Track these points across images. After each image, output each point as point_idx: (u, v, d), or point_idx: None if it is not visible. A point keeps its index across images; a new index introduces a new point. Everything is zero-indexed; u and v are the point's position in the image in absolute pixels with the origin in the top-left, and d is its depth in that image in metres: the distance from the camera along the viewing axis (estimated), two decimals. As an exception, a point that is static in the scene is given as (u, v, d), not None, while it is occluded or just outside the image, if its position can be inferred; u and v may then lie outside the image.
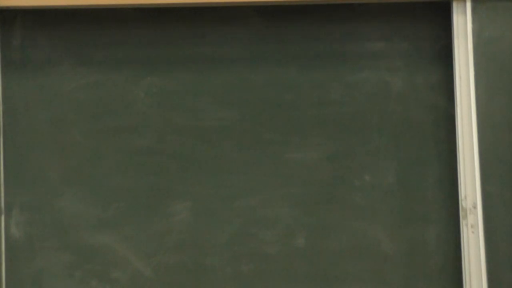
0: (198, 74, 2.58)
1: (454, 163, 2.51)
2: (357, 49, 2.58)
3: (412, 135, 2.57)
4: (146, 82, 2.58)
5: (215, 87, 2.58)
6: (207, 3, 2.50)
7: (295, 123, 2.57)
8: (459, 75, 2.50)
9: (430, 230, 2.55)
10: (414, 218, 2.55)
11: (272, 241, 2.55)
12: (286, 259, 2.54)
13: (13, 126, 2.56)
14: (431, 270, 2.54)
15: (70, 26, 2.58)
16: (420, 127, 2.57)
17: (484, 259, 2.43)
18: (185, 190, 2.56)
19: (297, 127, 2.57)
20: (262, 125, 2.57)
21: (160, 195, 2.56)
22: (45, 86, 2.57)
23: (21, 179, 2.55)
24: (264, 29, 2.58)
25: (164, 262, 2.55)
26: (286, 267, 2.54)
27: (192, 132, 2.57)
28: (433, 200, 2.55)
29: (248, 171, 2.56)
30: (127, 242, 2.55)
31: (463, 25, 2.50)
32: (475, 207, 2.45)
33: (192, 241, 2.55)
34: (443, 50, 2.57)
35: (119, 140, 2.57)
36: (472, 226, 2.46)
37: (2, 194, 2.54)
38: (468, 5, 2.48)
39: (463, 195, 2.48)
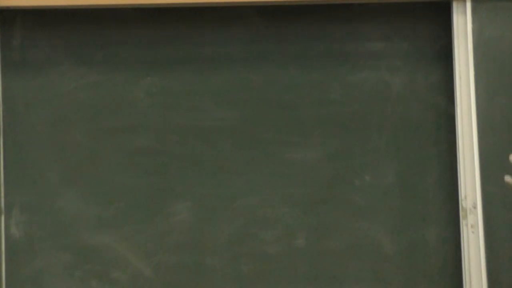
0: (198, 74, 2.58)
1: (454, 163, 2.51)
2: (357, 49, 2.59)
3: (412, 135, 2.57)
4: (146, 82, 2.58)
5: (215, 87, 2.58)
6: (207, 3, 2.50)
7: (295, 123, 2.57)
8: (459, 75, 2.50)
9: (430, 230, 2.55)
10: (414, 218, 2.55)
11: (272, 241, 2.55)
12: (286, 259, 2.54)
13: (13, 126, 2.56)
14: (431, 270, 2.54)
15: (70, 26, 2.58)
16: (420, 127, 2.57)
17: (484, 259, 2.43)
18: (185, 190, 2.56)
19: (297, 127, 2.57)
20: (262, 125, 2.57)
21: (160, 195, 2.56)
22: (45, 86, 2.58)
23: (21, 179, 2.55)
24: (264, 29, 2.58)
25: (164, 262, 2.55)
26: (286, 267, 2.54)
27: (192, 132, 2.57)
28: (433, 200, 2.55)
29: (248, 171, 2.56)
30: (127, 242, 2.55)
31: (463, 25, 2.50)
32: (475, 207, 2.46)
33: (192, 241, 2.55)
34: (443, 50, 2.57)
35: (119, 140, 2.57)
36: (472, 226, 2.46)
37: (2, 194, 2.54)
38: (468, 5, 2.49)
39: (463, 195, 2.48)
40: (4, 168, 2.55)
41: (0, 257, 2.52)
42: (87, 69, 2.58)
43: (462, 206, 2.48)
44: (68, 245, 2.54)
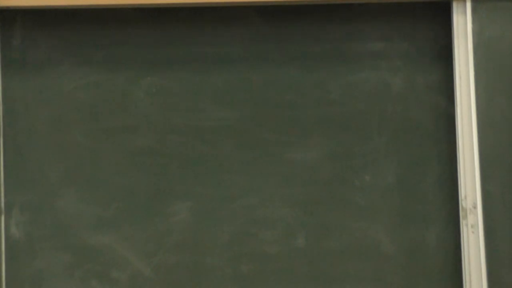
0: (198, 74, 2.58)
1: (454, 163, 2.51)
2: (357, 49, 2.59)
3: (412, 135, 2.57)
4: (146, 82, 2.58)
5: (215, 87, 2.58)
6: (207, 3, 2.50)
7: (295, 123, 2.57)
8: (459, 75, 2.50)
9: (430, 230, 2.55)
10: (414, 218, 2.55)
11: (272, 241, 2.55)
12: (286, 259, 2.54)
13: (13, 126, 2.56)
14: (431, 270, 2.54)
15: (70, 26, 2.58)
16: (420, 127, 2.57)
17: (484, 259, 2.43)
18: (185, 190, 2.56)
19: (297, 127, 2.57)
20: (262, 125, 2.57)
21: (160, 195, 2.56)
22: (45, 86, 2.57)
23: (21, 179, 2.55)
24: (264, 29, 2.58)
25: (164, 262, 2.55)
26: (286, 267, 2.54)
27: (192, 132, 2.57)
28: (433, 200, 2.55)
29: (248, 171, 2.56)
30: (127, 242, 2.55)
31: (463, 25, 2.50)
32: (475, 207, 2.45)
33: (192, 241, 2.55)
34: (443, 50, 2.57)
35: (119, 140, 2.57)
36: (472, 226, 2.46)
37: (2, 194, 2.54)
38: (468, 5, 2.48)
39: (463, 195, 2.48)
40: (4, 168, 2.55)
41: (0, 257, 2.52)
42: (87, 69, 2.58)
43: (462, 206, 2.48)
44: (68, 245, 2.54)
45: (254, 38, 2.59)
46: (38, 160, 2.55)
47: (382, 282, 2.54)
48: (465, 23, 2.49)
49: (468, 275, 2.45)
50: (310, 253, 2.54)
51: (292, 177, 2.56)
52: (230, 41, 2.58)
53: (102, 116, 2.57)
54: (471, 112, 2.47)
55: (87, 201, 2.55)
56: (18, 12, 2.56)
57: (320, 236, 2.55)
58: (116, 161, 2.56)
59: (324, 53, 2.58)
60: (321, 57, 2.58)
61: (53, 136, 2.56)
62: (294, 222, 2.55)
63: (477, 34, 2.48)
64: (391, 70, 2.58)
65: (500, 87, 2.47)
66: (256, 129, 2.57)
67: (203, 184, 2.56)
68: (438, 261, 2.54)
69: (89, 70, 2.58)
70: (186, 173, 2.56)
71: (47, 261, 2.54)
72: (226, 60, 2.58)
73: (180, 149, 2.57)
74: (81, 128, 2.57)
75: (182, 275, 2.54)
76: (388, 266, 2.54)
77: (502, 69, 2.47)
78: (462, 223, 2.48)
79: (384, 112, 2.57)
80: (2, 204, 2.54)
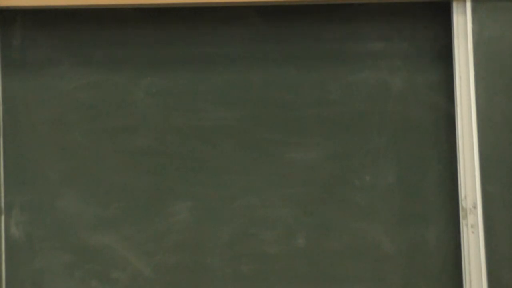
0: (198, 74, 2.58)
1: (454, 163, 2.51)
2: (357, 49, 2.58)
3: (412, 135, 2.57)
4: (146, 82, 2.58)
5: (215, 87, 2.58)
6: (207, 3, 2.50)
7: (295, 123, 2.57)
8: (459, 75, 2.50)
9: (430, 230, 2.55)
10: (414, 218, 2.55)
11: (272, 241, 2.55)
12: (286, 259, 2.54)
13: (13, 126, 2.56)
14: (431, 270, 2.54)
15: (70, 26, 2.58)
16: (420, 127, 2.57)
17: (484, 259, 2.43)
18: (185, 190, 2.56)
19: (297, 127, 2.57)
20: (262, 125, 2.57)
21: (160, 195, 2.56)
22: (45, 86, 2.58)
23: (21, 179, 2.55)
24: (264, 29, 2.58)
25: (164, 262, 2.55)
26: (286, 267, 2.54)
27: (192, 132, 2.57)
28: (433, 200, 2.55)
29: (248, 171, 2.56)
30: (127, 242, 2.55)
31: (463, 25, 2.50)
32: (475, 207, 2.45)
33: (192, 241, 2.55)
34: (443, 50, 2.57)
35: (119, 140, 2.57)
36: (472, 226, 2.46)
37: (2, 194, 2.54)
38: (468, 5, 2.48)
39: (463, 195, 2.48)
40: (4, 168, 2.55)
41: (0, 257, 2.52)
42: (87, 69, 2.58)
43: (462, 206, 2.48)
44: (68, 245, 2.54)
45: (254, 38, 2.59)
46: (38, 160, 2.55)
47: (382, 282, 2.54)
48: (465, 23, 2.49)
49: (468, 275, 2.45)
50: (310, 253, 2.54)
51: (292, 177, 2.56)
52: (230, 41, 2.58)
53: (102, 116, 2.57)
54: (471, 112, 2.47)
55: (87, 201, 2.55)
56: (18, 12, 2.56)
57: (320, 236, 2.55)
58: (116, 161, 2.56)
59: (324, 53, 2.58)
60: (321, 57, 2.58)
61: (53, 136, 2.56)
62: (294, 222, 2.55)
63: (477, 34, 2.48)
64: (391, 70, 2.58)
65: (500, 87, 2.47)
66: (256, 129, 2.57)
67: (203, 184, 2.56)
68: (438, 261, 2.54)
69: (89, 70, 2.58)
70: (186, 173, 2.56)
71: (47, 261, 2.54)
72: (226, 60, 2.58)
73: (180, 149, 2.57)
74: (81, 128, 2.57)
75: (182, 275, 2.54)
76: (388, 266, 2.54)
77: (502, 69, 2.47)
78: (462, 223, 2.48)
79: (384, 112, 2.57)
80: (2, 204, 2.54)
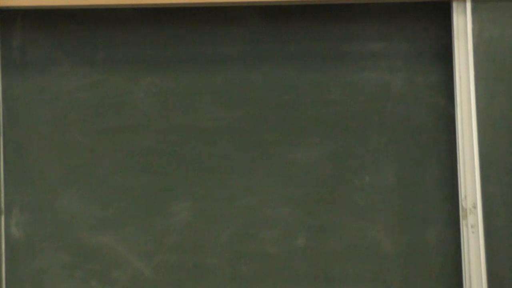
0: (198, 74, 2.58)
1: (454, 163, 2.51)
2: (357, 49, 2.59)
3: (412, 135, 2.57)
4: (146, 82, 2.58)
5: (215, 87, 2.58)
6: (207, 3, 2.50)
7: (295, 123, 2.57)
8: (459, 75, 2.50)
9: (430, 230, 2.55)
10: (414, 218, 2.55)
11: (272, 241, 2.55)
12: (286, 259, 2.54)
13: (13, 126, 2.56)
14: (431, 270, 2.54)
15: (70, 26, 2.58)
16: (420, 127, 2.57)
17: (484, 259, 2.43)
18: (185, 190, 2.56)
19: (297, 127, 2.57)
20: (262, 125, 2.57)
21: (160, 195, 2.56)
22: (45, 86, 2.58)
23: (21, 179, 2.55)
24: (264, 29, 2.58)
25: (164, 262, 2.55)
26: (286, 267, 2.54)
27: (192, 132, 2.57)
28: (433, 200, 2.55)
29: (248, 171, 2.56)
30: (127, 242, 2.55)
31: (463, 25, 2.50)
32: (475, 207, 2.45)
33: (192, 241, 2.55)
34: (443, 50, 2.57)
35: (119, 140, 2.57)
36: (472, 226, 2.46)
37: (2, 194, 2.54)
38: (468, 5, 2.49)
39: (463, 195, 2.48)
40: (4, 168, 2.55)
41: (0, 257, 2.52)
42: (87, 69, 2.58)
43: (462, 206, 2.48)
44: (68, 245, 2.54)
45: (254, 38, 2.59)
46: (38, 160, 2.55)
47: (382, 282, 2.54)
48: (465, 23, 2.49)
49: (468, 275, 2.45)
50: (310, 253, 2.54)
51: (292, 177, 2.56)
52: (230, 41, 2.58)
53: (102, 116, 2.57)
54: (471, 112, 2.47)
55: (87, 201, 2.55)
56: (18, 12, 2.57)
57: (320, 236, 2.55)
58: (116, 161, 2.56)
59: (324, 53, 2.58)
60: (321, 57, 2.58)
61: (53, 136, 2.56)
62: (294, 222, 2.55)
63: (477, 34, 2.48)
64: (391, 70, 2.58)
65: (500, 87, 2.47)
66: (256, 129, 2.57)
67: (203, 184, 2.56)
68: (438, 261, 2.54)
69: (89, 70, 2.58)
70: (186, 173, 2.56)
71: (47, 261, 2.54)
72: (226, 60, 2.58)
73: (180, 149, 2.57)
74: (81, 128, 2.57)
75: (182, 275, 2.54)
76: (388, 266, 2.54)
77: (502, 69, 2.47)
78: (462, 223, 2.48)
79: (384, 112, 2.57)
80: (2, 204, 2.54)
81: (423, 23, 2.58)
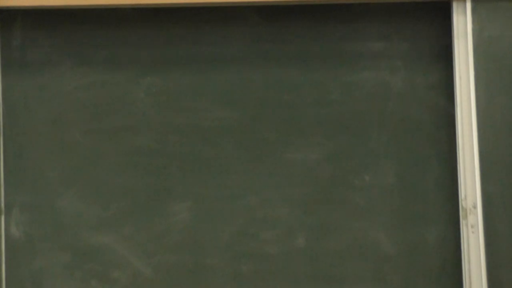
0: (198, 74, 2.58)
1: (454, 163, 2.51)
2: (357, 49, 2.59)
3: (412, 135, 2.57)
4: (146, 82, 2.58)
5: (215, 87, 2.58)
6: (207, 3, 2.50)
7: (295, 123, 2.57)
8: (459, 75, 2.50)
9: (430, 230, 2.55)
10: (414, 218, 2.55)
11: (272, 241, 2.55)
12: (286, 259, 2.54)
13: (13, 126, 2.56)
14: (431, 270, 2.54)
15: (70, 26, 2.58)
16: (420, 127, 2.57)
17: (484, 259, 2.43)
18: (185, 190, 2.56)
19: (297, 127, 2.57)
20: (262, 125, 2.57)
21: (160, 195, 2.56)
22: (45, 86, 2.58)
23: (21, 179, 2.55)
24: (264, 29, 2.58)
25: (164, 262, 2.55)
26: (286, 267, 2.54)
27: (192, 132, 2.57)
28: (433, 200, 2.55)
29: (248, 171, 2.56)
30: (127, 242, 2.55)
31: (463, 25, 2.50)
32: (475, 207, 2.46)
33: (192, 241, 2.55)
34: (443, 50, 2.57)
35: (119, 140, 2.57)
36: (472, 226, 2.46)
37: (2, 194, 2.54)
38: (468, 5, 2.49)
39: (463, 195, 2.48)
40: (4, 168, 2.55)
41: (0, 257, 2.52)
42: (87, 69, 2.58)
43: (462, 206, 2.48)
44: (68, 245, 2.54)
45: (254, 38, 2.59)
46: (38, 160, 2.55)
47: (382, 282, 2.54)
48: (465, 23, 2.49)
49: (468, 275, 2.45)
50: (310, 253, 2.54)
51: (292, 177, 2.56)
52: (230, 41, 2.58)
53: (102, 116, 2.57)
54: (471, 112, 2.47)
55: (87, 201, 2.55)
56: (18, 12, 2.57)
57: (320, 236, 2.55)
58: (116, 161, 2.56)
59: (324, 53, 2.58)
60: (321, 57, 2.58)
61: (53, 136, 2.56)
62: (294, 222, 2.55)
63: (477, 34, 2.48)
64: (391, 70, 2.58)
65: (500, 87, 2.47)
66: (256, 129, 2.57)
67: (203, 184, 2.56)
68: (438, 261, 2.54)
69: (89, 70, 2.58)
70: (186, 173, 2.56)
71: (47, 261, 2.54)
72: (226, 60, 2.58)
73: (180, 149, 2.57)
74: (81, 128, 2.57)
75: (182, 275, 2.54)
76: (388, 266, 2.54)
77: (502, 69, 2.47)
78: (462, 223, 2.48)
79: (384, 112, 2.57)
80: (2, 204, 2.54)
81: (423, 23, 2.58)
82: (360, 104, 2.57)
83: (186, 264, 2.55)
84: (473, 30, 2.48)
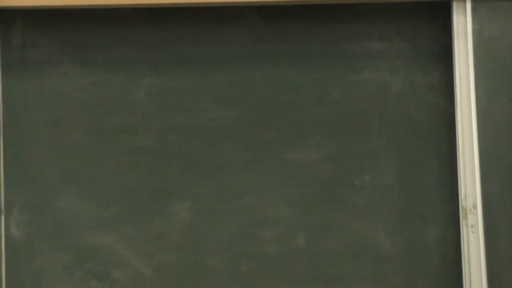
0: (198, 74, 2.58)
1: (454, 163, 2.51)
2: (357, 49, 2.59)
3: (412, 135, 2.57)
4: (146, 82, 2.58)
5: (215, 87, 2.58)
6: (207, 3, 2.50)
7: (295, 123, 2.57)
8: (459, 75, 2.50)
9: (430, 230, 2.55)
10: (414, 218, 2.55)
11: (272, 241, 2.55)
12: (286, 259, 2.54)
13: (13, 126, 2.56)
14: (431, 270, 2.54)
15: (70, 26, 2.58)
16: (420, 127, 2.57)
17: (484, 259, 2.43)
18: (185, 190, 2.56)
19: (297, 127, 2.57)
20: (262, 125, 2.57)
21: (160, 195, 2.56)
22: (45, 86, 2.57)
23: (21, 179, 2.55)
24: (264, 29, 2.58)
25: (164, 262, 2.55)
26: (286, 267, 2.54)
27: (192, 132, 2.57)
28: (433, 200, 2.55)
29: (248, 171, 2.56)
30: (127, 242, 2.55)
31: (463, 25, 2.50)
32: (475, 207, 2.45)
33: (192, 241, 2.55)
34: (443, 50, 2.57)
35: (119, 140, 2.57)
36: (472, 226, 2.46)
37: (2, 194, 2.54)
38: (468, 5, 2.48)
39: (463, 195, 2.48)
40: (4, 168, 2.55)
41: (0, 257, 2.52)
42: (87, 69, 2.58)
43: (462, 206, 2.48)
44: (68, 245, 2.54)
45: (254, 38, 2.59)
46: (38, 160, 2.55)
47: (382, 282, 2.54)
48: (465, 23, 2.49)
49: (468, 275, 2.45)
50: (310, 253, 2.54)
51: (292, 177, 2.56)
52: (230, 41, 2.58)
53: (102, 116, 2.57)
54: (471, 112, 2.47)
55: (87, 201, 2.55)
56: (18, 12, 2.56)
57: (320, 236, 2.55)
58: (116, 161, 2.56)
59: (324, 53, 2.58)
60: (321, 57, 2.58)
61: (53, 136, 2.56)
62: (294, 222, 2.55)
63: (477, 34, 2.48)
64: (391, 70, 2.58)
65: (500, 87, 2.47)
66: (256, 129, 2.57)
67: (203, 184, 2.56)
68: (438, 261, 2.54)
69: (89, 70, 2.58)
70: (186, 173, 2.56)
71: (47, 261, 2.54)
72: (226, 60, 2.58)
73: (180, 149, 2.57)
74: (81, 128, 2.57)
75: (182, 275, 2.54)
76: (388, 266, 2.54)
77: (502, 69, 2.47)
78: (462, 223, 2.48)
79: (384, 112, 2.57)
80: (2, 204, 2.54)
81: (423, 23, 2.58)
82: (360, 104, 2.57)
83: (186, 264, 2.54)
84: (473, 30, 2.48)
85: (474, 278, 2.44)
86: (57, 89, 2.58)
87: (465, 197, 2.47)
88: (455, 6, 2.50)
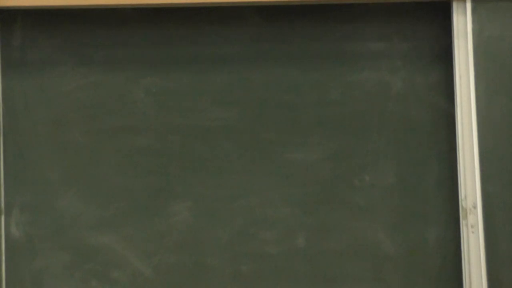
0: (198, 74, 2.58)
1: (454, 163, 2.51)
2: (357, 49, 2.59)
3: (412, 135, 2.57)
4: (146, 82, 2.58)
5: (215, 87, 2.58)
6: (207, 3, 2.50)
7: (295, 123, 2.57)
8: (459, 75, 2.50)
9: (430, 230, 2.55)
10: (414, 218, 2.55)
11: (272, 241, 2.55)
12: (286, 259, 2.54)
13: (13, 126, 2.56)
14: (431, 270, 2.54)
15: (70, 26, 2.58)
16: (420, 127, 2.57)
17: (484, 259, 2.43)
18: (185, 190, 2.56)
19: (297, 127, 2.57)
20: (262, 125, 2.57)
21: (160, 195, 2.56)
22: (45, 86, 2.58)
23: (21, 179, 2.55)
24: (264, 29, 2.59)
25: (164, 262, 2.55)
26: (286, 267, 2.54)
27: (192, 132, 2.57)
28: (433, 200, 2.55)
29: (248, 171, 2.56)
30: (127, 242, 2.55)
31: (463, 25, 2.50)
32: (475, 207, 2.46)
33: (192, 241, 2.55)
34: (443, 50, 2.57)
35: (119, 140, 2.57)
36: (472, 226, 2.46)
37: (2, 194, 2.54)
38: (468, 5, 2.49)
39: (463, 195, 2.48)
40: (4, 168, 2.55)
41: (0, 257, 2.52)
42: (87, 69, 2.58)
43: (462, 206, 2.48)
44: (68, 245, 2.54)
45: (254, 38, 2.59)
46: (38, 160, 2.55)
47: (382, 282, 2.54)
48: (465, 23, 2.49)
49: (468, 275, 2.45)
50: (310, 253, 2.54)
51: (292, 177, 2.56)
52: (230, 41, 2.58)
53: (102, 116, 2.57)
54: (471, 112, 2.47)
55: (87, 201, 2.55)
56: (18, 12, 2.57)
57: (320, 236, 2.55)
58: (116, 161, 2.56)
59: (324, 53, 2.58)
60: (321, 57, 2.58)
61: (53, 136, 2.56)
62: (294, 222, 2.55)
63: (477, 34, 2.48)
64: (391, 70, 2.58)
65: (500, 87, 2.47)
66: (256, 129, 2.57)
67: (203, 184, 2.56)
68: (438, 261, 2.54)
69: (89, 70, 2.58)
70: (186, 173, 2.56)
71: (47, 261, 2.54)
72: (226, 60, 2.58)
73: (180, 149, 2.57)
74: (81, 128, 2.57)
75: (182, 275, 2.54)
76: (388, 266, 2.54)
77: (502, 69, 2.47)
78: (462, 223, 2.48)
79: (384, 112, 2.57)
80: (2, 204, 2.54)
81: (423, 23, 2.58)
82: (360, 104, 2.57)
83: (186, 264, 2.55)
84: (473, 30, 2.48)
85: (474, 278, 2.44)
86: (57, 89, 2.58)
87: (465, 197, 2.47)
88: (455, 6, 2.50)
